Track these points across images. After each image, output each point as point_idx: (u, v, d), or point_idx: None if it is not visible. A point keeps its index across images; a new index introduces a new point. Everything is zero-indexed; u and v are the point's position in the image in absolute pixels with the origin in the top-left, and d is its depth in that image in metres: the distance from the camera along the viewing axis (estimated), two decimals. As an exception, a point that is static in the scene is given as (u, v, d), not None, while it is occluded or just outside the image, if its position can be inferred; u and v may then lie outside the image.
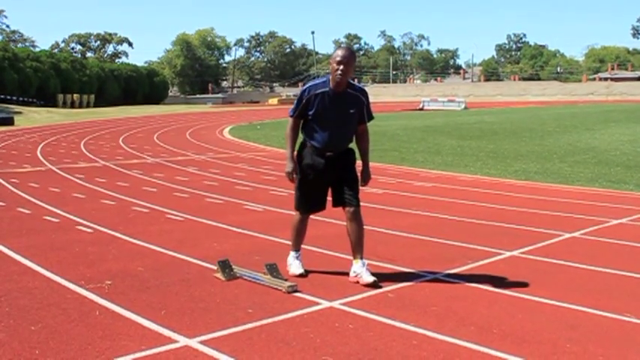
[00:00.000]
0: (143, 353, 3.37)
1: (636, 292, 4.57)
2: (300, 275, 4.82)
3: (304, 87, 4.78)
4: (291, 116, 4.79)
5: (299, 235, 4.98)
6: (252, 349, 3.44)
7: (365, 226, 4.83)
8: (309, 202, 4.86)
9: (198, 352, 3.40)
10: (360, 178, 4.85)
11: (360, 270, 4.65)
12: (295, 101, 4.78)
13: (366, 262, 4.74)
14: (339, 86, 4.63)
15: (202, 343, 3.52)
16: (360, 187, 4.83)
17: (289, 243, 5.07)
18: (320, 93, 4.65)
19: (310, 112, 4.69)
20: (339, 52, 4.60)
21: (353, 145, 4.88)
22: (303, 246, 5.07)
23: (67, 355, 3.34)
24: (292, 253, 5.00)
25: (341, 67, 4.54)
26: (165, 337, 3.60)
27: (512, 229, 6.72)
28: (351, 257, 4.78)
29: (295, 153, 4.82)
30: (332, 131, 4.70)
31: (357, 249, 4.73)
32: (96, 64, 63.58)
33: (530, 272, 5.05)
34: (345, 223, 4.81)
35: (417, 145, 17.73)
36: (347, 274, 4.76)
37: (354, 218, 4.72)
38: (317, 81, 4.77)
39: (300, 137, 4.84)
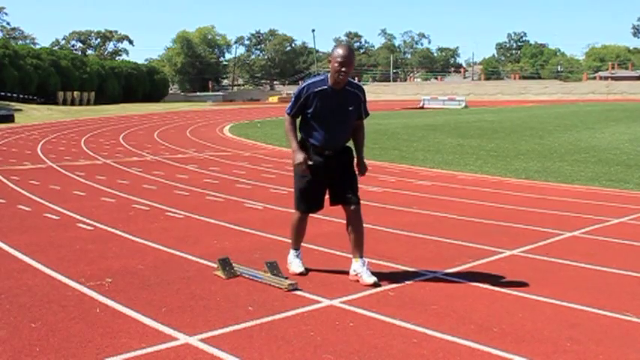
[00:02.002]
0: (143, 351, 3.37)
1: (636, 291, 4.57)
2: (301, 273, 4.82)
3: (302, 85, 4.75)
4: (289, 114, 4.77)
5: (299, 234, 4.98)
6: (253, 347, 3.44)
7: (365, 225, 4.83)
8: (308, 201, 4.85)
9: (198, 350, 3.40)
10: (356, 169, 4.85)
11: (361, 269, 4.65)
12: (292, 99, 4.74)
13: (366, 260, 4.74)
14: (339, 84, 4.62)
15: (203, 340, 3.53)
16: (359, 184, 4.83)
17: (289, 241, 5.07)
18: (319, 91, 4.63)
19: (309, 111, 4.67)
20: (340, 52, 4.57)
21: (350, 144, 4.88)
22: (303, 244, 5.07)
23: (67, 352, 3.34)
24: (292, 252, 5.00)
25: (343, 68, 4.53)
26: (165, 335, 3.60)
27: (513, 228, 6.72)
28: (351, 255, 4.78)
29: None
30: (331, 129, 4.69)
31: (357, 247, 4.73)
32: (96, 62, 63.45)
33: (531, 271, 5.05)
34: (344, 222, 4.82)
35: (418, 143, 17.72)
36: (347, 272, 4.76)
37: (355, 217, 4.73)
38: (315, 79, 4.74)
39: (298, 137, 4.83)
